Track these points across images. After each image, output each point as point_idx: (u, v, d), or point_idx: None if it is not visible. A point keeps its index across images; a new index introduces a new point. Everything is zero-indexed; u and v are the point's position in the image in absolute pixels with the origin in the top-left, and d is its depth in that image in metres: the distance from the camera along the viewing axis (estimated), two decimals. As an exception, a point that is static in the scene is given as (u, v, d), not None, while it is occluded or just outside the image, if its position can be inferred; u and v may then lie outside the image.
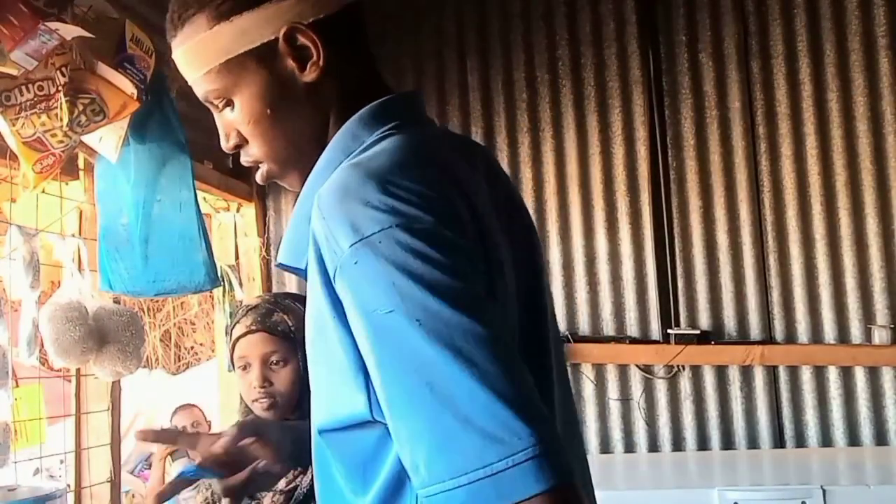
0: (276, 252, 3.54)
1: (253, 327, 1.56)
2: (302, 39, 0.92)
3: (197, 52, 0.94)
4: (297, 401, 1.57)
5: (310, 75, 0.93)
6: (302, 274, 0.90)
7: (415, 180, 0.82)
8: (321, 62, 0.92)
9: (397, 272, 0.76)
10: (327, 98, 0.95)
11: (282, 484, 1.53)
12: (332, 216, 0.81)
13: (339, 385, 0.83)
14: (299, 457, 1.21)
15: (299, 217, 0.92)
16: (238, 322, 1.59)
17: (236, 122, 0.96)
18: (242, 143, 0.98)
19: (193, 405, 3.76)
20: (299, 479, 1.54)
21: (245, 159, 0.99)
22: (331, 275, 0.82)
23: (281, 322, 1.57)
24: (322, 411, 0.88)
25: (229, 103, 0.96)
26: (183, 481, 1.20)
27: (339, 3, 0.94)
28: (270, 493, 1.53)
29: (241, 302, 3.28)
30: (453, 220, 0.81)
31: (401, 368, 0.76)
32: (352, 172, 0.84)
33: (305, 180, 0.96)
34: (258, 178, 1.01)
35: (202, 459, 1.16)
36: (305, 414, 1.58)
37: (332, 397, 0.86)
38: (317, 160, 0.95)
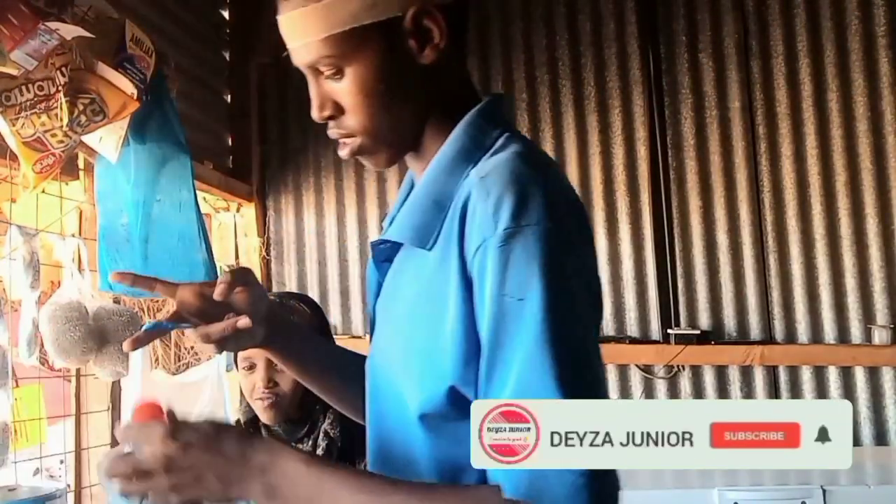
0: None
1: None
2: (427, 21, 0.93)
3: (320, 16, 0.92)
4: (300, 400, 1.58)
5: (427, 58, 0.94)
6: (389, 246, 0.98)
7: (567, 190, 0.92)
8: (442, 46, 0.94)
9: (537, 268, 0.83)
10: (433, 84, 0.97)
11: None
12: (494, 197, 0.85)
13: (459, 365, 0.87)
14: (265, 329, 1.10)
15: (427, 202, 0.95)
16: None
17: (342, 91, 0.95)
18: (337, 114, 0.97)
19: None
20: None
21: (335, 132, 0.99)
22: (472, 250, 0.86)
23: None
24: (423, 395, 0.90)
25: (339, 72, 0.94)
26: (158, 331, 1.10)
27: None
28: None
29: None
30: (590, 237, 0.93)
31: (508, 348, 0.83)
32: (522, 164, 0.89)
33: (392, 161, 1.00)
34: (343, 153, 1.01)
35: (178, 305, 1.05)
36: (308, 414, 1.58)
37: (438, 379, 0.88)
38: (408, 143, 0.99)
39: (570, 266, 0.86)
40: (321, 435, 1.57)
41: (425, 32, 0.93)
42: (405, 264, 0.98)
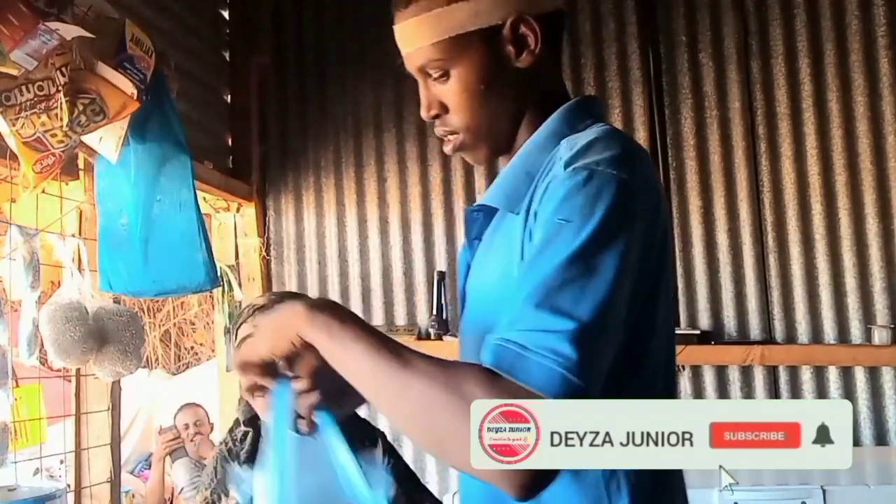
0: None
1: None
2: (524, 29, 1.03)
3: (430, 24, 1.04)
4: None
5: (524, 62, 1.04)
6: (480, 221, 1.07)
7: (654, 173, 1.00)
8: (537, 52, 1.04)
9: (594, 204, 0.88)
10: (529, 85, 1.06)
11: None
12: (574, 148, 0.93)
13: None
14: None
15: (521, 172, 1.03)
16: (245, 322, 1.59)
17: (447, 92, 1.06)
18: (442, 113, 1.08)
19: (198, 404, 3.76)
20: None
21: (441, 129, 1.09)
22: (539, 193, 0.94)
23: None
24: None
25: (445, 75, 1.05)
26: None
27: (556, 4, 1.07)
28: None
29: (240, 302, 3.28)
30: (660, 229, 0.96)
31: (548, 262, 0.87)
32: (612, 132, 0.98)
33: (491, 156, 1.10)
34: (447, 148, 1.10)
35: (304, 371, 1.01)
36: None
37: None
38: (504, 140, 1.08)
39: (623, 220, 0.89)
40: None
41: (522, 39, 1.04)
42: (495, 235, 1.05)
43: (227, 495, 1.60)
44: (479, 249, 1.09)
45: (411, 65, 1.08)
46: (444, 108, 1.07)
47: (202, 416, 3.65)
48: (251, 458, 1.60)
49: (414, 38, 1.06)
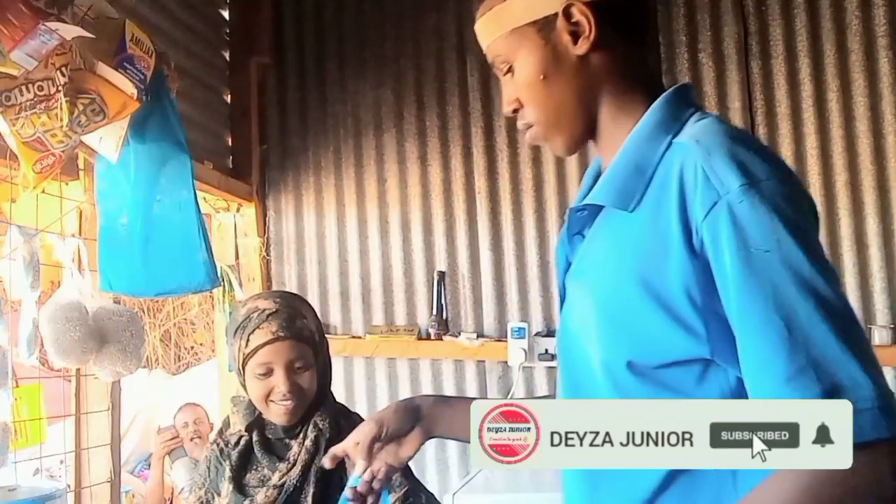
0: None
1: (280, 334, 1.54)
2: (577, 15, 1.03)
3: (492, 21, 1.08)
4: (316, 402, 1.60)
5: (580, 49, 1.04)
6: (584, 217, 1.07)
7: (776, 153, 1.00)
8: (592, 38, 1.03)
9: (778, 219, 0.88)
10: (597, 72, 1.06)
11: (275, 478, 1.55)
12: (718, 157, 0.92)
13: (671, 321, 0.93)
14: None
15: (629, 167, 1.01)
16: (258, 328, 1.55)
17: (516, 86, 1.08)
18: (520, 107, 1.09)
19: (197, 404, 3.76)
20: (290, 473, 1.55)
21: (520, 122, 1.11)
22: (701, 210, 0.91)
23: (304, 328, 1.58)
24: (637, 347, 0.96)
25: (510, 70, 1.08)
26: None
27: None
28: (264, 488, 1.55)
29: (240, 302, 3.27)
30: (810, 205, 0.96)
31: (765, 304, 0.86)
32: (730, 128, 0.98)
33: (569, 145, 1.10)
34: (528, 138, 1.12)
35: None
36: (326, 410, 1.59)
37: (656, 334, 0.94)
38: (580, 129, 1.08)
39: (804, 220, 0.91)
40: (311, 426, 1.58)
41: (577, 26, 1.04)
42: (602, 231, 1.05)
43: (219, 495, 1.60)
44: (581, 245, 1.09)
45: (490, 61, 1.12)
46: (520, 103, 1.09)
47: (202, 415, 3.65)
48: (243, 464, 1.60)
49: (483, 36, 1.11)
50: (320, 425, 1.58)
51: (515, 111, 1.10)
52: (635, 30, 1.09)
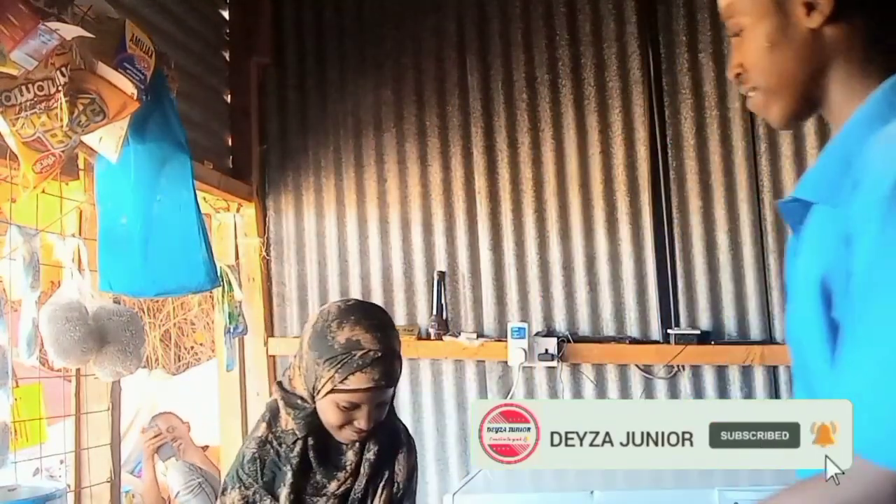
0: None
1: (382, 383, 1.53)
2: None
3: None
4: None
5: (813, 21, 1.01)
6: (798, 209, 1.01)
7: None
8: (827, 11, 1.00)
9: None
10: (828, 47, 1.02)
11: (332, 486, 1.56)
12: None
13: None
14: None
15: (838, 159, 0.97)
16: (360, 371, 1.51)
17: (742, 49, 1.07)
18: (742, 72, 1.09)
19: (168, 412, 3.82)
20: (349, 481, 1.58)
21: (741, 87, 1.11)
22: (860, 204, 0.88)
23: (399, 369, 1.58)
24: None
25: (739, 33, 1.07)
26: None
27: None
28: (323, 497, 1.56)
29: (240, 302, 3.28)
30: None
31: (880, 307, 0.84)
32: None
33: (787, 118, 1.07)
34: (749, 105, 1.11)
35: None
36: (386, 421, 1.62)
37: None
38: (802, 102, 1.05)
39: None
40: (373, 441, 1.63)
41: None
42: (809, 225, 1.01)
43: (274, 498, 1.57)
44: (795, 241, 1.06)
45: (723, 20, 1.11)
46: (743, 67, 1.08)
47: (174, 421, 3.71)
48: (304, 467, 1.59)
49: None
50: (382, 439, 1.62)
51: (738, 75, 1.09)
52: (880, 3, 1.04)
